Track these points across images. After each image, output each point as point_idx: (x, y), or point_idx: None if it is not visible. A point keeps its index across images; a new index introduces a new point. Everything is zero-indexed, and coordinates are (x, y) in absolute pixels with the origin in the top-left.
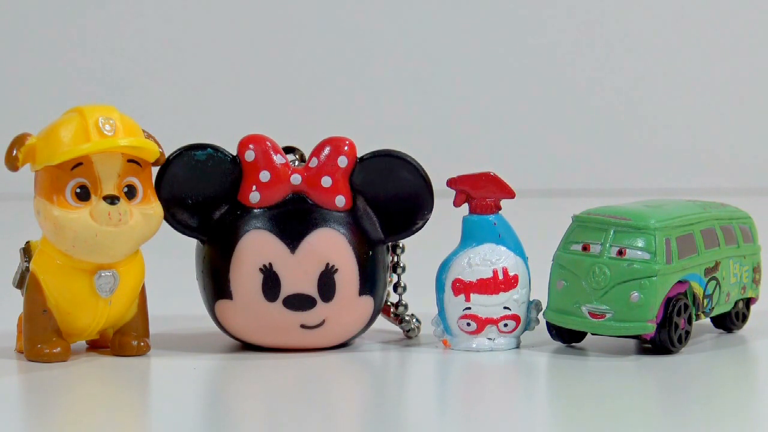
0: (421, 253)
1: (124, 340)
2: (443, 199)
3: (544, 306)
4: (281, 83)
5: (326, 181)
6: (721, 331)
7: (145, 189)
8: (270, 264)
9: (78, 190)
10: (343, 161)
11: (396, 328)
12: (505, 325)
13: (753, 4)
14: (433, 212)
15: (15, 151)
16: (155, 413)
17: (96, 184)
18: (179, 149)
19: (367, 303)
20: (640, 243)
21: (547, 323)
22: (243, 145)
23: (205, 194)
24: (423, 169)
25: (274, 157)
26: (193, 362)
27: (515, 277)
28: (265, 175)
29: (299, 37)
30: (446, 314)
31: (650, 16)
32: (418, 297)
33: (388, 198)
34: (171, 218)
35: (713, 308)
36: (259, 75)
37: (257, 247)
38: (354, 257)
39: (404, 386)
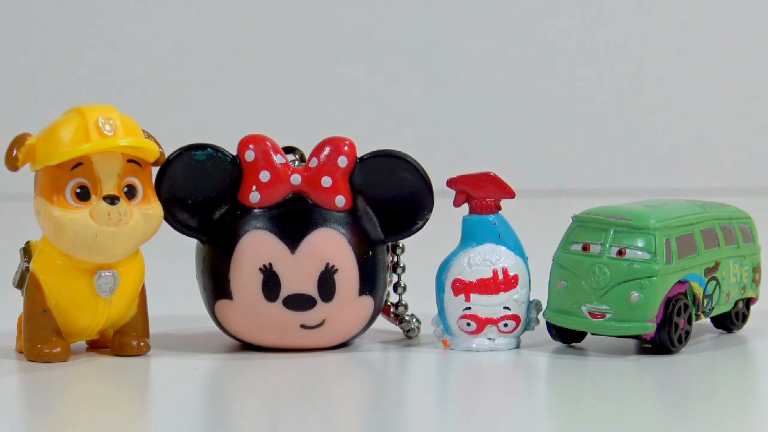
0: (421, 253)
1: (124, 340)
2: (443, 199)
3: (544, 306)
4: (281, 83)
5: (326, 181)
6: (721, 331)
7: (145, 189)
8: (270, 264)
9: (78, 190)
10: (343, 161)
11: (396, 328)
12: (505, 325)
13: (753, 4)
14: (433, 212)
15: (15, 151)
16: (155, 413)
17: (96, 184)
18: (179, 149)
19: (367, 303)
20: (640, 243)
21: (547, 323)
22: (243, 145)
23: (205, 194)
24: (423, 169)
25: (274, 157)
26: (193, 362)
27: (515, 277)
28: (265, 175)
29: (299, 37)
30: (446, 314)
31: (650, 16)
32: (418, 297)
33: (388, 198)
34: (171, 218)
35: (713, 308)
36: (259, 75)
37: (257, 247)
38: (354, 257)
39: (404, 386)
